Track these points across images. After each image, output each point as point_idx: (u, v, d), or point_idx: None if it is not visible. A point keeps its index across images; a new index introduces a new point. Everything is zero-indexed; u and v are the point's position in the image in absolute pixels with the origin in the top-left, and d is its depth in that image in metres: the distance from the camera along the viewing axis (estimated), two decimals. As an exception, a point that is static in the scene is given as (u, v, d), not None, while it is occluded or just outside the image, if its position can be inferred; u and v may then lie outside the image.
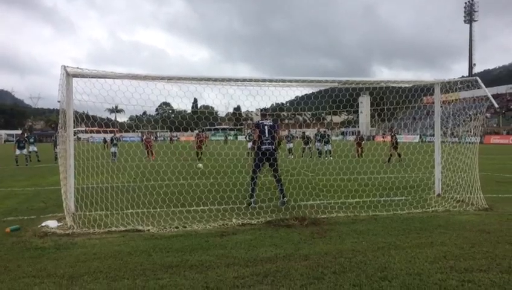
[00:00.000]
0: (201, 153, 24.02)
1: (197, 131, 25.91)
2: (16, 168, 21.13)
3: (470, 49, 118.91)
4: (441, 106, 10.29)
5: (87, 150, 8.57)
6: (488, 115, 62.14)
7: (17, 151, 23.31)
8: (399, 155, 20.88)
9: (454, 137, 10.57)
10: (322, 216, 7.93)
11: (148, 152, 24.05)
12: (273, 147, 9.18)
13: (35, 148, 25.75)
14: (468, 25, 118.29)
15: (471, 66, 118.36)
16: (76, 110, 8.06)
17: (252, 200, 8.93)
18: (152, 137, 25.87)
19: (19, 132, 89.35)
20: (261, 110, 10.12)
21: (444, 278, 4.57)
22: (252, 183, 9.05)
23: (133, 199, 8.50)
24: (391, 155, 20.94)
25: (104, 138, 32.03)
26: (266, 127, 9.22)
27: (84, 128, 13.89)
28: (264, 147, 9.08)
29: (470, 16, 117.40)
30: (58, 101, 7.75)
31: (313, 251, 5.72)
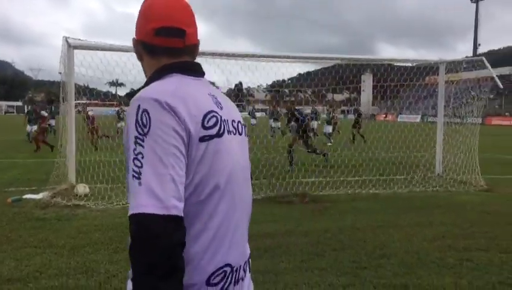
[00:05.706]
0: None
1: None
2: (18, 140, 21.07)
3: (476, 29, 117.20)
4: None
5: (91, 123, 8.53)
6: (491, 96, 61.81)
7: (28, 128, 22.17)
8: (362, 136, 19.80)
9: (457, 118, 10.50)
10: (323, 193, 7.95)
11: None
12: None
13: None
14: (474, 4, 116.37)
15: (475, 46, 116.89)
16: (76, 82, 7.98)
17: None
18: None
19: (20, 103, 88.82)
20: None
21: (442, 257, 4.61)
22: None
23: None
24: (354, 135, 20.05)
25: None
26: None
27: (85, 102, 13.74)
28: None
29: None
30: (60, 73, 7.68)
31: (313, 227, 5.76)
